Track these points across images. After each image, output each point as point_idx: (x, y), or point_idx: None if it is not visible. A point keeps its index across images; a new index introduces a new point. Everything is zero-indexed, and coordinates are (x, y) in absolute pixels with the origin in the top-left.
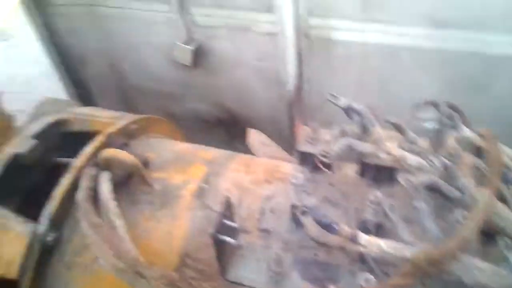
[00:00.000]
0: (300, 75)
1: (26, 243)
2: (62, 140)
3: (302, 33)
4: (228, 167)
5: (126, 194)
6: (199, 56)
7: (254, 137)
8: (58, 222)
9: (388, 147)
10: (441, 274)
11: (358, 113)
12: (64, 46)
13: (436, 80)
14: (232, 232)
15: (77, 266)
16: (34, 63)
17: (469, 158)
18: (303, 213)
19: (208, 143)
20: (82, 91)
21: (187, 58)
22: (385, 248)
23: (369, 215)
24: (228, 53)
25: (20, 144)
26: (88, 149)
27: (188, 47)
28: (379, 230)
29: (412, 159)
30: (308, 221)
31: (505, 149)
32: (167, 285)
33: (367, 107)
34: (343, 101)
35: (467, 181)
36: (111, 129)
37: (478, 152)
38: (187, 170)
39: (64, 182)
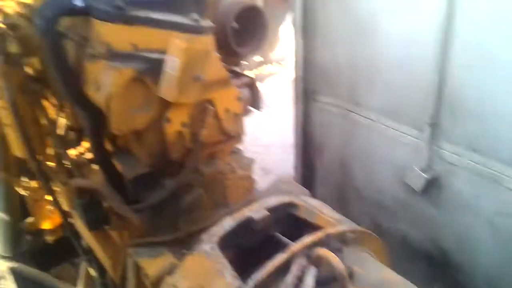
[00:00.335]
0: None
1: None
2: (286, 219)
3: None
4: None
5: None
6: (431, 186)
7: None
8: None
9: None
10: None
11: None
12: (309, 133)
13: None
14: None
15: None
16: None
17: None
18: None
19: (405, 272)
20: (308, 173)
21: (418, 184)
22: None
23: None
24: (463, 195)
25: (256, 211)
26: (307, 240)
27: (424, 174)
28: None
29: None
30: None
31: None
32: None
33: None
34: None
35: None
36: (332, 230)
37: None
38: None
39: (278, 258)
